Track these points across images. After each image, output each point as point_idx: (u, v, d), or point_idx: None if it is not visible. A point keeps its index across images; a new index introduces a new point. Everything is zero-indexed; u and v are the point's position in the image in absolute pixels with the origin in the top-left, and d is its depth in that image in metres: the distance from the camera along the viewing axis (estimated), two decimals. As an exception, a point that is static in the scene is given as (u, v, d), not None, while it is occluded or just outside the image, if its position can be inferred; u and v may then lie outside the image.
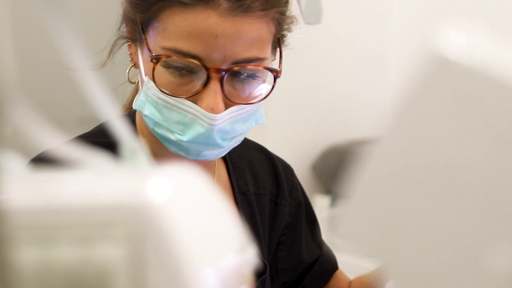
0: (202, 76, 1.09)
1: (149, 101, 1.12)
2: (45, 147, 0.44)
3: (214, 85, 1.10)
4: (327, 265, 1.43)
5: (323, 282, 1.43)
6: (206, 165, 1.27)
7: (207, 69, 1.09)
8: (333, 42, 2.68)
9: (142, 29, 1.12)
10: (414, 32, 2.61)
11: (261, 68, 1.13)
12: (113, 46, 1.23)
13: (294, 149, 2.59)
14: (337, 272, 1.45)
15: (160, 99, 1.11)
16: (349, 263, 1.70)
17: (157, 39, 1.10)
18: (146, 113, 1.13)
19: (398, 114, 0.50)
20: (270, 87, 1.15)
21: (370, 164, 0.51)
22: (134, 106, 1.15)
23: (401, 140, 0.50)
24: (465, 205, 0.48)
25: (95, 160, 0.45)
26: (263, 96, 1.15)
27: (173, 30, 1.08)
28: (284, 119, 2.49)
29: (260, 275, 1.30)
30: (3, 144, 0.39)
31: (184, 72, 1.09)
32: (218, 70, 1.09)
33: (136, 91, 1.30)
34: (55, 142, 0.44)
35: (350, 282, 1.46)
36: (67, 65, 0.44)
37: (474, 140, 0.47)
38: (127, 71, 1.20)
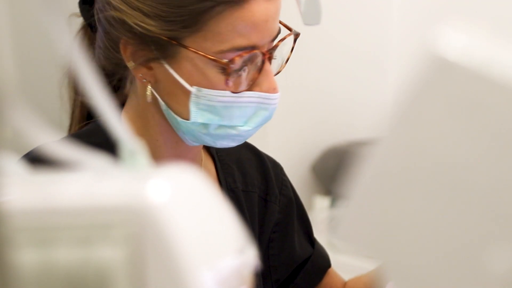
0: (257, 62, 1.12)
1: (202, 109, 1.13)
2: (38, 145, 0.44)
3: (268, 66, 1.14)
4: (320, 262, 1.42)
5: (316, 279, 1.42)
6: (192, 162, 1.27)
7: (262, 54, 1.12)
8: (333, 44, 2.68)
9: (180, 43, 1.11)
10: (413, 33, 2.61)
11: (290, 36, 1.17)
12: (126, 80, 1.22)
13: (294, 150, 2.59)
14: (330, 270, 1.44)
15: (220, 102, 1.12)
16: (349, 264, 1.70)
17: (207, 47, 1.10)
18: (201, 121, 1.13)
19: (398, 115, 0.50)
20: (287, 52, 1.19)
21: (370, 165, 0.51)
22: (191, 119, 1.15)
23: (401, 141, 0.50)
24: (464, 205, 0.48)
25: (94, 160, 0.45)
26: (284, 61, 1.19)
27: (229, 31, 1.09)
28: (284, 121, 2.49)
29: None
30: (3, 145, 0.39)
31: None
32: (268, 51, 1.13)
33: (77, 112, 1.27)
34: (49, 141, 0.44)
35: (345, 283, 1.45)
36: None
37: (474, 141, 0.47)
38: (147, 93, 1.16)
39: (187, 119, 1.14)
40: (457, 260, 0.48)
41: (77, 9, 1.23)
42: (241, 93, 1.12)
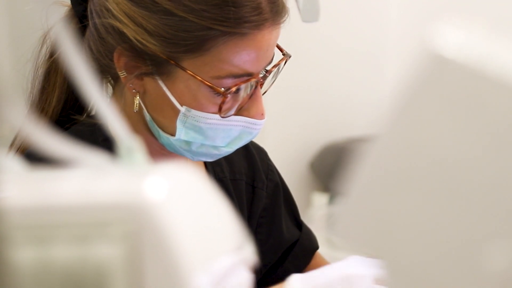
0: (249, 88, 1.12)
1: (188, 127, 1.13)
2: (38, 145, 0.44)
3: (259, 92, 1.13)
4: (307, 244, 1.42)
5: (305, 262, 1.42)
6: (178, 158, 1.27)
7: (256, 81, 1.11)
8: (330, 41, 2.68)
9: (178, 64, 1.10)
10: (411, 32, 2.61)
11: (283, 62, 1.17)
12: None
13: (292, 147, 2.59)
14: (317, 254, 1.45)
15: (207, 124, 1.12)
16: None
17: (204, 70, 1.09)
18: (184, 138, 1.13)
19: (396, 112, 0.50)
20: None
21: (368, 161, 0.51)
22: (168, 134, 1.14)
23: (398, 138, 0.50)
24: (461, 202, 0.48)
25: (92, 158, 0.45)
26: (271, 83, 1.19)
27: (229, 59, 1.09)
28: (282, 118, 2.49)
29: None
30: (1, 143, 0.39)
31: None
32: (262, 78, 1.13)
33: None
34: (50, 141, 0.44)
35: None
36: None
37: (471, 138, 0.47)
38: (136, 103, 1.15)
39: (171, 135, 1.14)
40: (455, 258, 0.48)
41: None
42: (229, 117, 1.13)
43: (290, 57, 1.19)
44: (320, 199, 2.53)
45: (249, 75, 1.11)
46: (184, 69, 1.09)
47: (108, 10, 1.11)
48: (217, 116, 1.11)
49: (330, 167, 2.52)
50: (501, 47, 0.48)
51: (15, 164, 0.46)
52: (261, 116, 1.14)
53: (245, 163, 1.37)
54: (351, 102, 2.78)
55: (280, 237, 1.39)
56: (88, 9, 1.15)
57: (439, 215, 0.49)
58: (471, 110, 0.47)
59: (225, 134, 1.14)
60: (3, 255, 0.37)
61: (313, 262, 1.43)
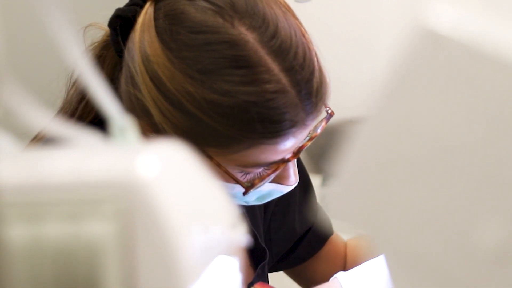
0: (281, 164, 1.07)
1: None
2: (37, 127, 0.44)
3: (291, 165, 1.10)
4: (320, 232, 1.42)
5: (316, 248, 1.42)
6: None
7: (288, 160, 1.07)
8: (321, 23, 2.67)
9: (204, 152, 1.04)
10: (404, 11, 2.61)
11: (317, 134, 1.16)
12: None
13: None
14: (332, 237, 1.45)
15: (235, 192, 1.08)
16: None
17: (232, 158, 1.04)
18: None
19: (388, 91, 0.49)
20: None
21: (360, 142, 0.51)
22: None
23: (391, 117, 0.50)
24: (454, 181, 0.48)
25: (85, 137, 0.45)
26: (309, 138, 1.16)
27: (257, 157, 1.03)
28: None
29: (260, 261, 1.29)
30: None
31: None
32: (295, 154, 1.08)
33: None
34: (46, 122, 0.44)
35: (346, 243, 1.46)
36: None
37: (464, 116, 0.47)
38: None
39: None
40: (446, 236, 0.48)
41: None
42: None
43: (332, 116, 1.18)
44: (313, 181, 2.53)
45: (280, 161, 1.06)
46: (210, 157, 1.04)
47: (137, 83, 1.03)
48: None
49: (323, 148, 2.52)
50: (496, 23, 0.47)
51: (7, 144, 0.46)
52: (292, 182, 1.11)
53: None
54: (344, 83, 2.77)
55: (293, 226, 1.39)
56: (123, 62, 1.07)
57: (431, 193, 0.49)
58: (464, 87, 0.47)
59: (255, 194, 1.10)
60: (-5, 233, 0.37)
61: (327, 247, 1.43)
